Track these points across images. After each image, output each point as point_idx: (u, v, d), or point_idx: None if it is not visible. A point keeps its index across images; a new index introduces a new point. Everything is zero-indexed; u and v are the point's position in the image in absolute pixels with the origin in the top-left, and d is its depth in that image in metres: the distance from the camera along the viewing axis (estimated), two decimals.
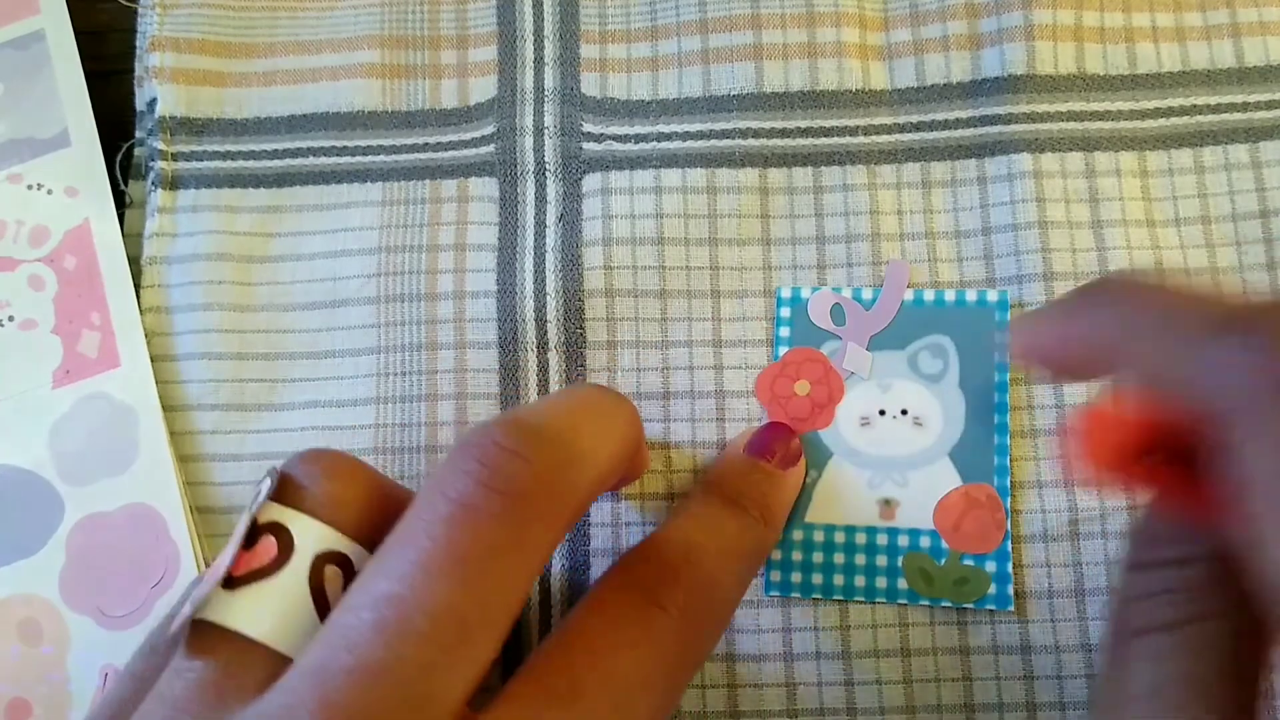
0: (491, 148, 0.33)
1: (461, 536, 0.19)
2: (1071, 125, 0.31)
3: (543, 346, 0.31)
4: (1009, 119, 0.31)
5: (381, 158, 0.33)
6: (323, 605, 0.20)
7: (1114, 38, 0.32)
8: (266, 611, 0.20)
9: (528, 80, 0.33)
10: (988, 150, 0.31)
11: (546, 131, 0.32)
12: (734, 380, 0.30)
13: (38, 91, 0.33)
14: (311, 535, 0.21)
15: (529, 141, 0.32)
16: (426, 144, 0.33)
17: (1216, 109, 0.31)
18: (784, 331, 0.30)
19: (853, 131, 0.32)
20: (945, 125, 0.32)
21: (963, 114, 0.32)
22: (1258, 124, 0.31)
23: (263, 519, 0.21)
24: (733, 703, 0.29)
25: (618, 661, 0.21)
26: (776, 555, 0.29)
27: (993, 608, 0.29)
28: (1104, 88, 0.32)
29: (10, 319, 0.32)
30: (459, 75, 0.33)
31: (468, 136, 0.33)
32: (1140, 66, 0.32)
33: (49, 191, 0.33)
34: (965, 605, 0.29)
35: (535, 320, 0.31)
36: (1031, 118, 0.31)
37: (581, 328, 0.31)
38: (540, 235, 0.32)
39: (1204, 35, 0.32)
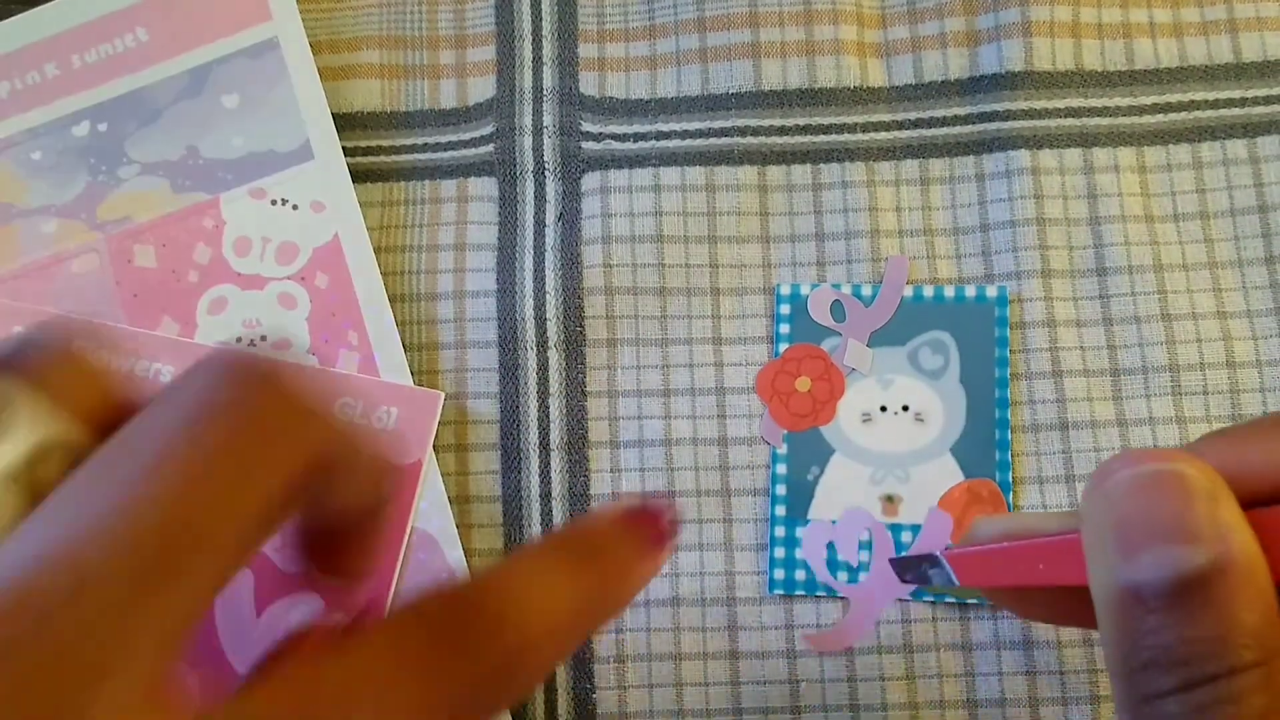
0: (490, 147, 0.33)
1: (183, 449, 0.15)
2: (1069, 121, 0.31)
3: (543, 345, 0.31)
4: (1007, 115, 0.31)
5: (381, 158, 0.33)
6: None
7: (1111, 34, 0.32)
8: None
9: (526, 80, 0.33)
10: (986, 147, 0.31)
11: (545, 131, 0.32)
12: (734, 377, 0.30)
13: (275, 102, 0.32)
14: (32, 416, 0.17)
15: (528, 141, 0.32)
16: (426, 144, 0.33)
17: (1214, 104, 0.31)
18: (784, 328, 0.30)
19: (851, 129, 0.32)
20: (943, 122, 0.32)
21: (961, 111, 0.32)
22: (1255, 119, 0.31)
23: None
24: (736, 700, 0.29)
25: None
26: (780, 553, 0.29)
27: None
28: (1102, 84, 0.32)
29: (263, 338, 0.31)
30: (458, 75, 0.33)
31: (467, 136, 0.33)
32: (1138, 62, 0.32)
33: (294, 207, 0.31)
34: (970, 600, 0.29)
35: (535, 319, 0.31)
36: (1029, 114, 0.31)
37: (581, 326, 0.31)
38: (540, 234, 0.32)
39: (1201, 31, 0.32)
